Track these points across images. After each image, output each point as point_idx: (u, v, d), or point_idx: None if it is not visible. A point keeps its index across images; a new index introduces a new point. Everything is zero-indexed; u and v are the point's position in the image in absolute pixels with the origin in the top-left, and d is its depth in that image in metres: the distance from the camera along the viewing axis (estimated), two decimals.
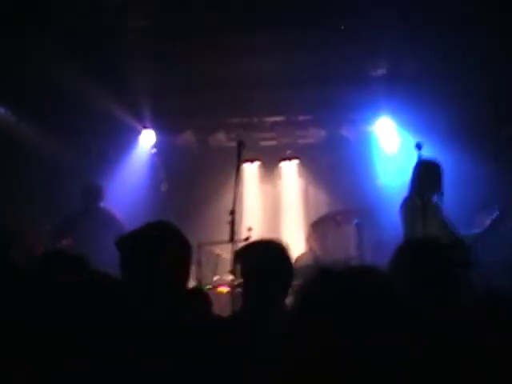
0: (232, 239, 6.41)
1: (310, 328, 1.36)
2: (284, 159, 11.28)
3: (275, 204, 11.43)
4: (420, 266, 3.12)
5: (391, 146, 10.60)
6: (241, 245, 4.83)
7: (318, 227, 9.77)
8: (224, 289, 8.29)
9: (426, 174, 6.48)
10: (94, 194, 8.88)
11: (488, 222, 6.90)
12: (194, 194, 10.55)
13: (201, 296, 3.46)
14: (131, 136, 10.42)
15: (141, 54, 8.64)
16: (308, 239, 9.98)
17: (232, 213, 6.45)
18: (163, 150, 10.66)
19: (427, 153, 6.67)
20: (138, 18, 7.91)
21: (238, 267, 3.79)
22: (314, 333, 1.35)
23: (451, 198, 7.01)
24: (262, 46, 8.61)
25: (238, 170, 6.67)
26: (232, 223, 6.40)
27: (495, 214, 6.82)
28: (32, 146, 8.85)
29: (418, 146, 6.36)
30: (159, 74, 9.22)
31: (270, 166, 11.40)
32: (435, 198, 6.69)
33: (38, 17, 7.37)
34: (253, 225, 8.92)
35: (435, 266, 3.18)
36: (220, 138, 10.80)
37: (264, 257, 3.76)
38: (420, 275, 2.99)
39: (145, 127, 10.41)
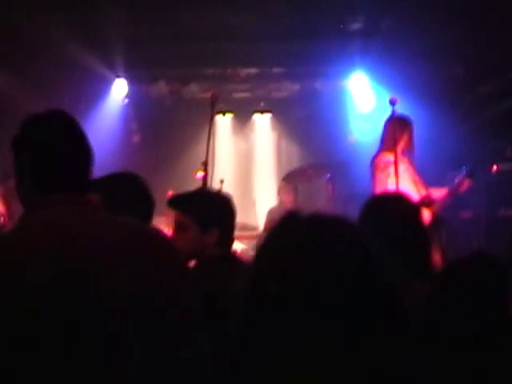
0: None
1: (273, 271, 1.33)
2: (257, 112, 11.25)
3: (248, 157, 11.43)
4: (387, 222, 3.02)
5: (365, 101, 10.58)
6: None
7: (289, 181, 9.79)
8: None
9: (398, 130, 6.48)
10: None
11: (456, 180, 6.94)
12: (166, 146, 10.50)
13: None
14: (103, 85, 10.30)
15: (115, 2, 8.50)
16: (280, 192, 10.01)
17: (205, 164, 6.41)
18: (135, 100, 10.58)
19: (401, 109, 6.68)
20: None
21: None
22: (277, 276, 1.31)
23: (423, 154, 7.05)
24: None
25: (211, 121, 6.63)
26: (205, 175, 6.37)
27: (461, 175, 6.86)
28: (1, 95, 8.71)
29: (392, 102, 6.34)
30: (133, 23, 9.08)
31: (242, 118, 11.37)
32: (407, 154, 6.72)
33: None
34: (225, 177, 8.91)
35: (404, 222, 3.14)
36: (193, 89, 10.72)
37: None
38: (387, 232, 2.79)
39: (117, 76, 10.30)
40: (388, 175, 6.39)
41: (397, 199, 3.41)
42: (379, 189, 6.41)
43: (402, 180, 6.22)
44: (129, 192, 3.32)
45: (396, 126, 6.46)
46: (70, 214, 2.12)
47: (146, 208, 3.38)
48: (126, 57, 9.82)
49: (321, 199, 9.60)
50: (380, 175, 6.50)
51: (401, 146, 6.57)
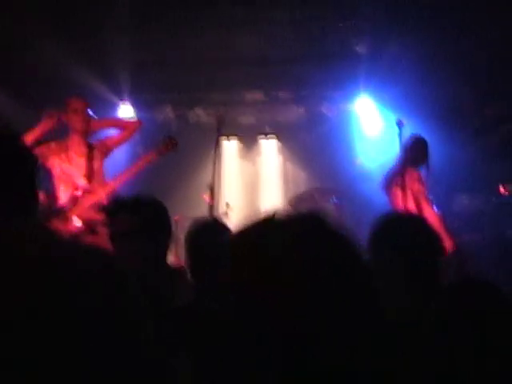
0: (211, 215, 6.34)
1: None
2: (263, 136, 11.23)
3: (254, 181, 11.38)
4: (397, 242, 2.92)
5: (371, 124, 10.55)
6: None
7: (296, 205, 9.74)
8: None
9: (413, 149, 6.48)
10: None
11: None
12: (171, 170, 10.45)
13: (180, 273, 3.46)
14: (109, 110, 10.28)
15: (120, 27, 8.51)
16: None
17: (211, 188, 6.37)
18: (141, 124, 10.56)
19: (408, 131, 6.64)
20: None
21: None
22: None
23: (430, 176, 7.01)
24: (242, 21, 8.52)
25: (216, 145, 6.60)
26: (211, 198, 6.32)
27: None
28: (5, 118, 8.69)
29: (399, 124, 6.32)
30: (138, 48, 9.10)
31: (248, 142, 11.34)
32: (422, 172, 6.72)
33: None
34: (231, 201, 8.89)
35: (413, 244, 3.06)
36: (199, 113, 10.73)
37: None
38: (397, 253, 2.83)
39: (122, 101, 10.29)
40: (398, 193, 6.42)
41: (416, 222, 3.32)
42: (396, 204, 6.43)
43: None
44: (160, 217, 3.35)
45: (412, 145, 6.49)
46: None
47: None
48: (131, 81, 9.83)
49: None
50: (393, 193, 6.52)
51: (415, 163, 6.59)
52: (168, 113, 10.72)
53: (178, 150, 6.65)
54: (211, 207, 6.34)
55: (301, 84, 10.22)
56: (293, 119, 11.06)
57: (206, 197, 6.52)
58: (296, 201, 9.63)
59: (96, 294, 1.87)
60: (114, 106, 10.32)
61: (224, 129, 7.10)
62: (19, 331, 1.80)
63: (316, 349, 1.19)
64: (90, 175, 6.40)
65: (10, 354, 1.78)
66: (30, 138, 6.26)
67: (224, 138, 10.24)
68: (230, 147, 11.15)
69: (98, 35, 8.53)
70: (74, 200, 6.21)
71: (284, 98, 10.79)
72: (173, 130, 10.83)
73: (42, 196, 6.06)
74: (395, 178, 6.58)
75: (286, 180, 11.32)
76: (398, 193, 6.46)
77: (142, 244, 3.18)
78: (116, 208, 3.45)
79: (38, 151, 6.33)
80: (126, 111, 10.37)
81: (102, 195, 6.10)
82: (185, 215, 8.23)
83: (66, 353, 1.79)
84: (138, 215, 3.25)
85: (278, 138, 11.22)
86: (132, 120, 8.71)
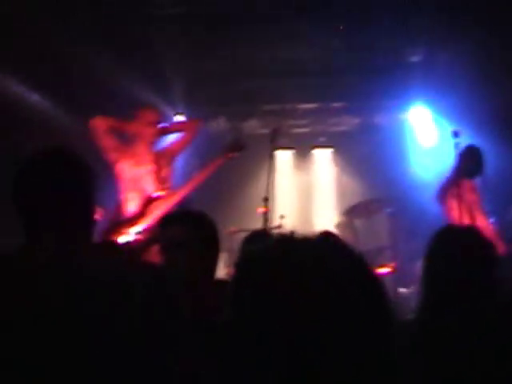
0: (265, 226, 6.36)
1: None
2: (317, 147, 11.24)
3: (307, 192, 11.39)
4: (451, 254, 2.95)
5: (426, 134, 10.47)
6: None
7: (350, 216, 9.70)
8: None
9: (468, 159, 6.46)
10: None
11: None
12: (226, 181, 10.51)
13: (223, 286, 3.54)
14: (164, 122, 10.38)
15: (176, 40, 8.61)
16: (340, 228, 9.91)
17: (266, 200, 6.40)
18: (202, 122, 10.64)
19: (464, 141, 6.60)
20: (174, 4, 7.86)
21: None
22: None
23: (485, 186, 6.94)
24: (297, 33, 8.53)
25: (271, 156, 6.63)
26: (266, 210, 6.35)
27: None
28: (66, 133, 8.84)
29: (455, 134, 6.29)
30: (193, 60, 9.19)
31: (302, 153, 11.36)
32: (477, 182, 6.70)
33: (76, 4, 7.35)
34: (285, 212, 8.88)
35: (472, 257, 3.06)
36: (253, 125, 10.77)
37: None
38: (452, 265, 2.88)
39: (177, 113, 10.37)
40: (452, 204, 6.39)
41: (472, 234, 3.31)
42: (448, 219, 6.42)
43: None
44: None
45: (466, 156, 6.46)
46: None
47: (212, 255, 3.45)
48: (186, 94, 9.91)
49: (382, 234, 9.48)
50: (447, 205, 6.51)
51: (470, 174, 6.57)
52: (222, 124, 10.79)
53: (233, 162, 6.66)
54: (266, 219, 6.37)
55: (355, 94, 10.19)
56: (347, 129, 11.05)
57: (261, 209, 6.54)
58: (350, 211, 9.60)
59: (102, 301, 1.92)
60: (168, 118, 10.41)
61: (278, 140, 7.12)
62: (25, 335, 1.86)
63: (322, 359, 1.20)
64: (159, 183, 6.37)
65: (16, 359, 1.84)
66: (109, 122, 6.31)
67: (278, 148, 10.25)
68: (284, 158, 11.19)
69: (152, 49, 8.64)
70: (145, 207, 6.17)
71: (338, 108, 10.77)
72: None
73: (102, 210, 5.95)
74: (450, 188, 6.54)
75: (340, 190, 11.28)
76: (453, 203, 6.42)
77: (190, 256, 3.26)
78: (168, 220, 3.54)
79: (111, 144, 6.29)
80: None
81: (172, 203, 6.05)
82: (240, 227, 8.31)
83: (72, 358, 1.83)
84: (187, 227, 3.33)
85: (332, 149, 11.22)
86: (193, 120, 8.72)
